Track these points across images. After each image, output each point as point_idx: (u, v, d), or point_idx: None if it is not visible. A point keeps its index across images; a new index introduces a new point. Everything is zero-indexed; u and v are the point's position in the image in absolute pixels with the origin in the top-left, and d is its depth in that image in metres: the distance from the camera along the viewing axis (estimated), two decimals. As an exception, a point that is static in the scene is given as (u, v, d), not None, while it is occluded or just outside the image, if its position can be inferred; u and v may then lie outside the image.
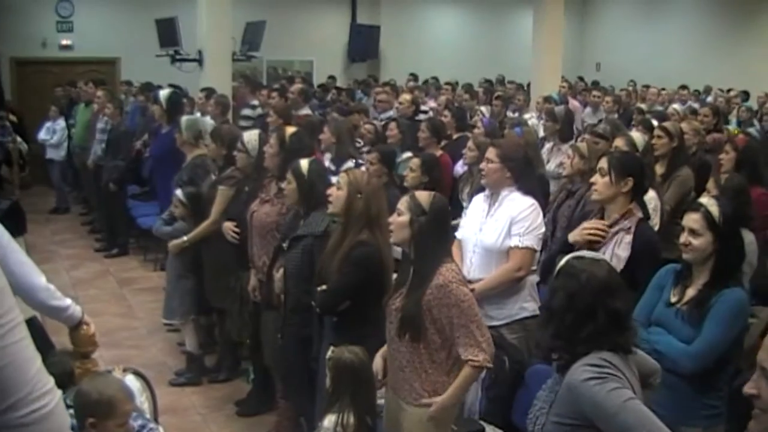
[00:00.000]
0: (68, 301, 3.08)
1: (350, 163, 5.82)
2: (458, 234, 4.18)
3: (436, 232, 3.20)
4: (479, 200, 4.16)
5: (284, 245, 4.10)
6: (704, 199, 3.29)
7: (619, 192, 3.63)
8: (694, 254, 3.14)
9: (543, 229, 4.11)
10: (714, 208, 3.13)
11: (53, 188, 11.43)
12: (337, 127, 6.18)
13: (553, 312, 2.41)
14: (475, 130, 6.79)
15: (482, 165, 4.17)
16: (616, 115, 9.51)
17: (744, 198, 4.53)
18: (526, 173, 4.04)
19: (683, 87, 12.43)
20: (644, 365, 2.62)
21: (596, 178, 3.69)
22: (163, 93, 7.97)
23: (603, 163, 3.69)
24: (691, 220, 3.16)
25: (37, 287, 2.96)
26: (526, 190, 4.03)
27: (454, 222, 4.26)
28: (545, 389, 2.57)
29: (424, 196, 3.26)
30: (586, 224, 3.72)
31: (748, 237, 4.38)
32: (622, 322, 2.42)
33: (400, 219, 3.20)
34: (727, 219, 3.13)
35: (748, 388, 1.78)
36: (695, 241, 3.13)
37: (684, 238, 3.17)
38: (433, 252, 3.16)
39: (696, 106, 10.49)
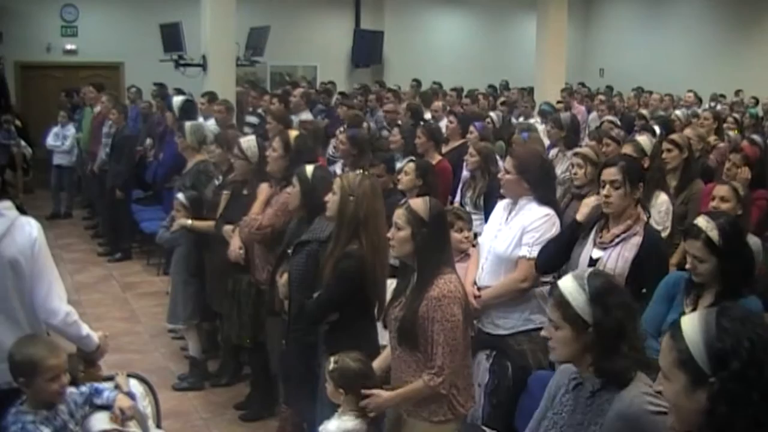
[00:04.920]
0: (85, 330, 3.35)
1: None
2: (479, 239, 4.17)
3: (439, 240, 3.15)
4: (500, 207, 4.11)
5: (289, 251, 4.09)
6: (702, 222, 3.14)
7: (632, 200, 3.63)
8: (703, 277, 3.14)
9: None
10: (713, 233, 3.08)
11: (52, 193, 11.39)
12: (357, 138, 6.12)
13: (607, 332, 2.29)
14: (469, 135, 6.79)
15: (500, 175, 4.15)
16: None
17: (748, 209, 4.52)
18: (543, 183, 3.96)
19: (689, 91, 12.41)
20: None
21: (609, 191, 3.60)
22: (176, 100, 7.99)
23: (616, 176, 3.61)
24: (694, 248, 3.13)
25: (56, 312, 3.22)
26: (544, 200, 3.96)
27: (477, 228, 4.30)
28: (566, 408, 2.42)
29: (420, 206, 3.17)
30: (586, 201, 3.80)
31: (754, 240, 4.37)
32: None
33: (401, 234, 3.12)
34: (727, 239, 3.09)
35: (656, 385, 1.83)
36: (701, 266, 3.12)
37: (690, 263, 3.16)
38: (436, 261, 3.12)
39: (698, 110, 10.45)
